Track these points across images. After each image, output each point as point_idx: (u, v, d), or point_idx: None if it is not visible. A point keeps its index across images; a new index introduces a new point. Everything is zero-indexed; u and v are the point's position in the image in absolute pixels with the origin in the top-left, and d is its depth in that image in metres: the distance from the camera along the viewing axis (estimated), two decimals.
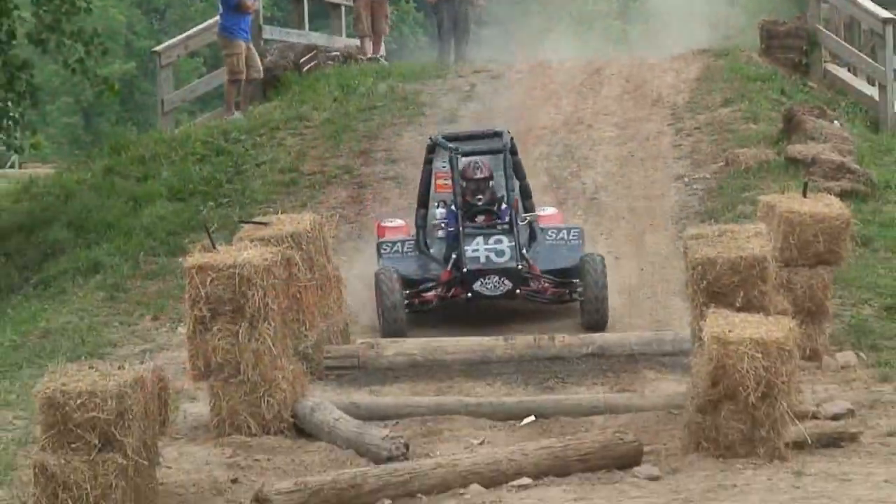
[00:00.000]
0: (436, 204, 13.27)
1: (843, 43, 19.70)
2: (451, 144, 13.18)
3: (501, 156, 13.14)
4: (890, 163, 16.30)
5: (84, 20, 18.04)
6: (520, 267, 12.30)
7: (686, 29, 25.65)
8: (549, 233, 13.14)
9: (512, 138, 13.44)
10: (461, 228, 12.53)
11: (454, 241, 12.62)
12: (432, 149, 13.47)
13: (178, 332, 12.43)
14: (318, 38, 22.00)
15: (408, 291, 12.33)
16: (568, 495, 7.86)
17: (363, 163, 17.28)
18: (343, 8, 22.73)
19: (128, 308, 13.73)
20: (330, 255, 11.66)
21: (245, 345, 9.65)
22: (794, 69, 19.31)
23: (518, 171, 13.28)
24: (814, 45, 19.41)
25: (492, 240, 12.46)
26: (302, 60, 20.82)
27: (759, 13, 22.58)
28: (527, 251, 12.64)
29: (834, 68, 19.51)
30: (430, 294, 12.46)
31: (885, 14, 18.29)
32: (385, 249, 13.01)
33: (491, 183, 12.91)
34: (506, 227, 12.57)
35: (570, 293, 12.45)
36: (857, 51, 19.58)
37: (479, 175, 12.80)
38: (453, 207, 12.84)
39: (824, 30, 19.58)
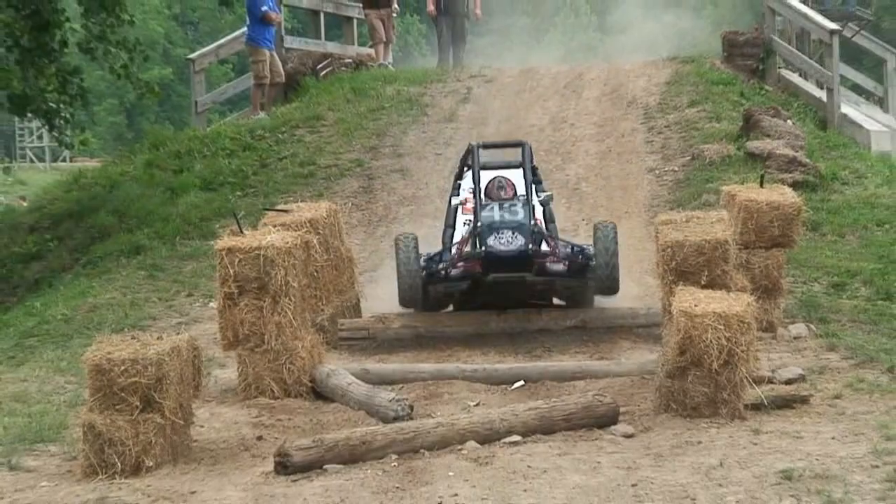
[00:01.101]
0: (463, 224, 11.72)
1: (796, 51, 19.73)
2: (474, 143, 11.94)
3: (521, 164, 11.75)
4: (836, 157, 16.29)
5: (127, 31, 18.02)
6: (533, 223, 11.11)
7: (657, 39, 25.60)
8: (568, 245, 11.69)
9: (531, 150, 12.09)
10: (478, 202, 11.32)
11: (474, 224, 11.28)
12: (464, 161, 12.13)
13: (210, 306, 12.41)
14: (333, 47, 21.98)
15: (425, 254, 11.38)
16: (553, 450, 7.84)
17: (372, 157, 17.25)
18: (355, 20, 22.70)
19: (165, 286, 13.71)
20: (343, 239, 11.62)
21: (269, 318, 9.61)
22: (752, 74, 19.30)
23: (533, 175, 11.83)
24: (769, 53, 19.41)
25: (506, 204, 11.27)
26: (319, 66, 20.81)
27: (722, 25, 22.59)
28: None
29: (787, 73, 19.51)
30: (447, 261, 11.25)
31: (832, 26, 18.36)
32: None
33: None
34: (522, 198, 11.40)
35: (582, 258, 11.24)
36: (807, 58, 19.58)
37: (504, 195, 11.51)
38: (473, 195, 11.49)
39: (779, 40, 19.58)
